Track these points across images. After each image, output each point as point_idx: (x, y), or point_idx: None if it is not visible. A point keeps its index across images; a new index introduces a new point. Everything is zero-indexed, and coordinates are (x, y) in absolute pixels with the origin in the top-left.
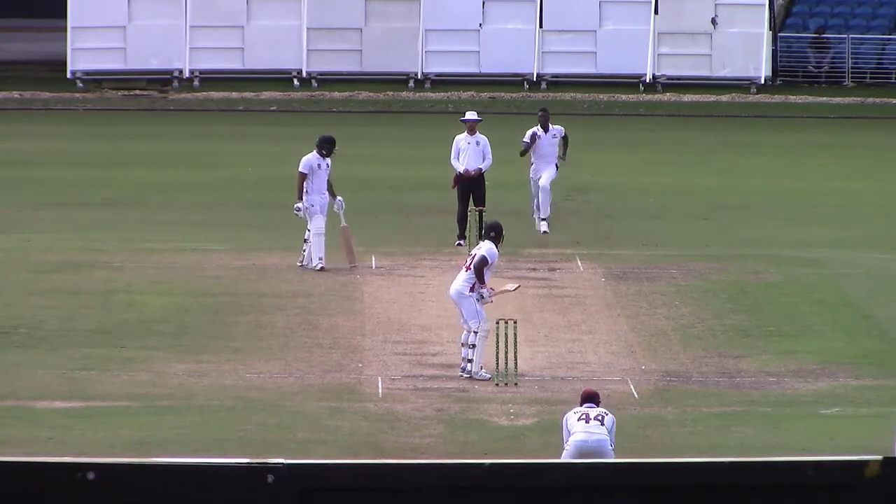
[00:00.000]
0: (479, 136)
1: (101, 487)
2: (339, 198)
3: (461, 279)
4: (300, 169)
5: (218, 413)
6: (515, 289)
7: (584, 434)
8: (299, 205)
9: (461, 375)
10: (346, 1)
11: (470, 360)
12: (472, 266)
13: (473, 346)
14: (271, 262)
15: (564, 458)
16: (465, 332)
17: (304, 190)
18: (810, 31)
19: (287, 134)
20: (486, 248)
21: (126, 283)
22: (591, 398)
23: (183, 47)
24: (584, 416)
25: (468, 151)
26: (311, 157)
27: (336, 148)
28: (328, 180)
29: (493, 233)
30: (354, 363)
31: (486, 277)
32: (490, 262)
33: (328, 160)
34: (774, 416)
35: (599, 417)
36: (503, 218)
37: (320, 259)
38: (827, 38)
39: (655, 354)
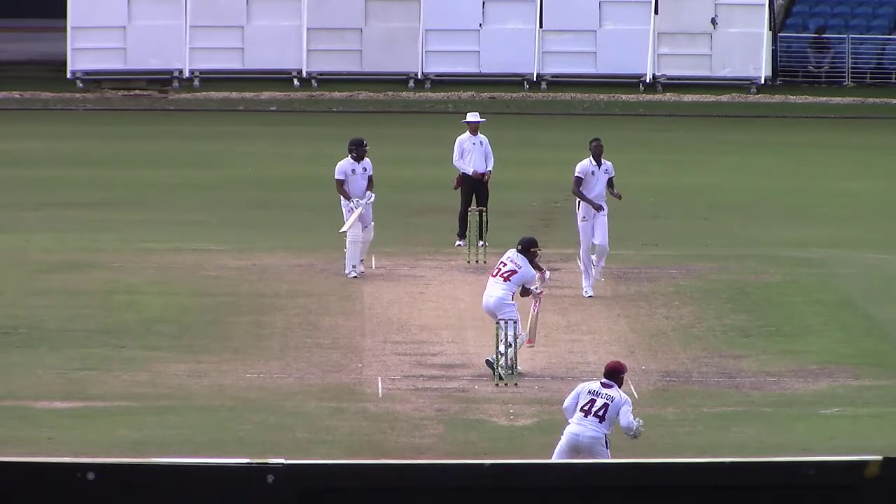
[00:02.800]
0: (482, 137)
1: (101, 487)
2: (370, 193)
3: (499, 288)
4: (335, 176)
5: (218, 413)
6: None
7: (579, 427)
8: (351, 205)
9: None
10: (346, 1)
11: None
12: (510, 278)
13: (510, 345)
14: (271, 262)
15: (559, 444)
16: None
17: (347, 195)
18: (810, 31)
19: (287, 134)
20: (521, 261)
21: (126, 283)
22: (611, 374)
23: (183, 47)
24: (588, 405)
25: (473, 152)
26: (343, 163)
27: (365, 147)
28: (371, 180)
29: (528, 247)
30: (354, 363)
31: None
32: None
33: (365, 163)
34: (774, 416)
35: (600, 413)
36: (503, 218)
37: (354, 267)
38: (827, 38)
39: (655, 354)
